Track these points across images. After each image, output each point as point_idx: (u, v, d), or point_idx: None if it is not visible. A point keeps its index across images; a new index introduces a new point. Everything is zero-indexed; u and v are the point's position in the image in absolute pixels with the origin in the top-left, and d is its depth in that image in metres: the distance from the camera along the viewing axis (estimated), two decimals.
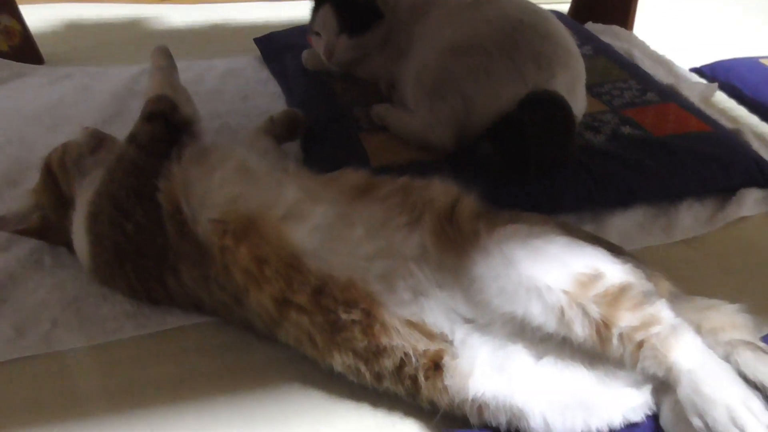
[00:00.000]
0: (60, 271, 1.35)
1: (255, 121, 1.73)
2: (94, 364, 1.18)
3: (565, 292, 0.98)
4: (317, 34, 1.83)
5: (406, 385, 1.05)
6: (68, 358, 1.18)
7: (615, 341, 0.97)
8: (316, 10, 1.84)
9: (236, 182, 1.19)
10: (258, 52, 2.33)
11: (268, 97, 2.06)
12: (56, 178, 1.32)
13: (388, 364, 1.04)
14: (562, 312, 0.97)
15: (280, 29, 2.38)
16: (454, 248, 1.09)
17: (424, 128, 1.60)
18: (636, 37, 2.49)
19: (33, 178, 1.38)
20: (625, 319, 0.96)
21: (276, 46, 2.28)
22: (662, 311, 0.99)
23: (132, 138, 1.28)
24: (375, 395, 1.10)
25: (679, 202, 1.60)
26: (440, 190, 1.19)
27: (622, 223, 1.54)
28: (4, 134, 1.79)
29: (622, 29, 2.55)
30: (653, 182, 1.59)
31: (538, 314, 0.99)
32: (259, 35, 2.37)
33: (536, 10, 1.66)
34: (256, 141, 1.57)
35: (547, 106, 1.53)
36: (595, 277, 0.99)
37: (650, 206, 1.59)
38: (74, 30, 2.56)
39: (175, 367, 1.17)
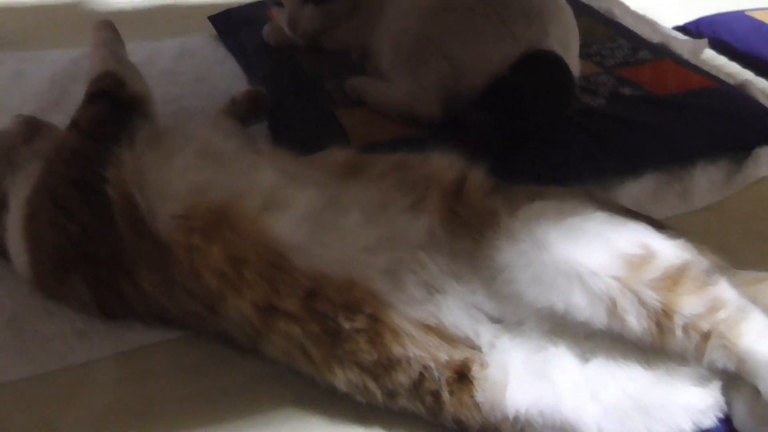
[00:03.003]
0: None
1: (214, 103, 1.58)
2: (36, 397, 1.00)
3: (616, 278, 0.82)
4: (279, 4, 1.70)
5: (426, 402, 0.88)
6: (4, 392, 1.00)
7: (679, 333, 0.81)
8: None
9: (201, 168, 1.01)
10: (213, 31, 2.13)
11: (227, 77, 1.89)
12: None
13: (403, 379, 0.87)
14: (613, 302, 0.82)
15: (235, 6, 2.20)
16: (467, 231, 0.93)
17: (408, 98, 1.46)
18: None
19: None
20: (690, 305, 0.81)
21: (233, 23, 2.09)
22: (726, 291, 0.84)
23: (74, 124, 1.12)
24: (387, 414, 0.93)
25: (692, 166, 1.48)
26: (443, 164, 1.03)
27: (634, 193, 1.42)
28: None
29: None
30: (663, 144, 1.48)
31: (583, 307, 0.83)
32: (213, 13, 2.16)
33: None
34: (219, 124, 1.42)
35: (545, 66, 1.43)
36: (647, 257, 0.84)
37: (661, 172, 1.47)
38: (5, 13, 2.34)
39: (140, 394, 1.00)
